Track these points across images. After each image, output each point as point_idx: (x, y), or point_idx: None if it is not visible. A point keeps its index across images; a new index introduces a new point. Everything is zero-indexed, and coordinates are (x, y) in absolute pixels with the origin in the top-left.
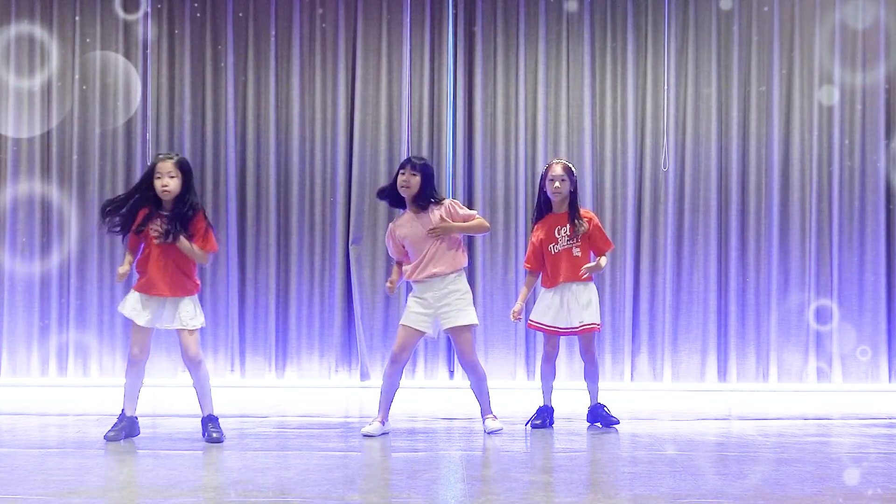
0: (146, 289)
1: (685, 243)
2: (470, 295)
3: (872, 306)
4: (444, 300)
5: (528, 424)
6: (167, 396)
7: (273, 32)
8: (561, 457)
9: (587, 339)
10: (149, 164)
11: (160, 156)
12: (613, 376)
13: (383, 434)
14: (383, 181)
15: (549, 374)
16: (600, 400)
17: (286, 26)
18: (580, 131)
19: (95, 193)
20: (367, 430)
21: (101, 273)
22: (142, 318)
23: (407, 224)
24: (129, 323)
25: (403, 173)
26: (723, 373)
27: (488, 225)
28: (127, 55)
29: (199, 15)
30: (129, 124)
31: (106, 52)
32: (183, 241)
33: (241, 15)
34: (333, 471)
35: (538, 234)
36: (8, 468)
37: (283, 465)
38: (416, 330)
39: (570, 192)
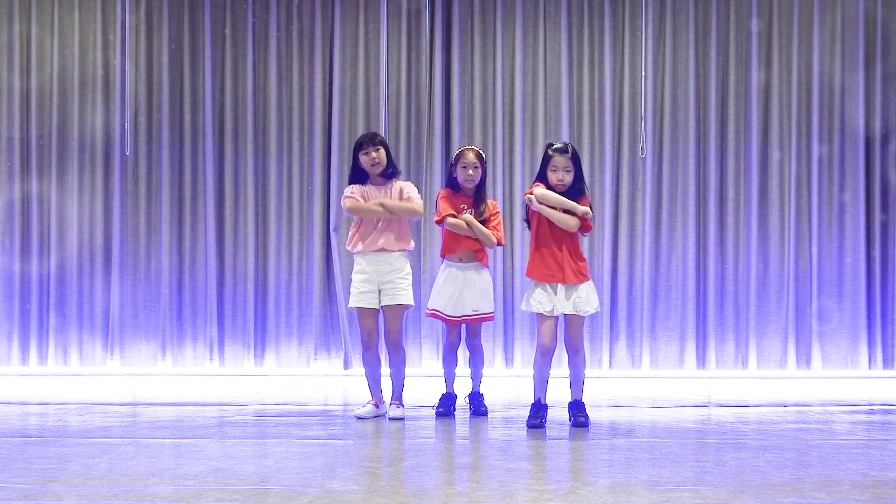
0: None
1: (663, 230)
2: (410, 276)
3: (852, 292)
4: (388, 276)
5: (433, 409)
6: (148, 385)
7: (251, 21)
8: (540, 445)
9: (476, 326)
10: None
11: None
12: (592, 364)
13: (376, 417)
14: None
15: (452, 361)
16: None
17: (263, 14)
18: (557, 118)
19: (74, 182)
20: (358, 412)
21: (80, 262)
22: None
23: (372, 193)
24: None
25: (368, 153)
26: (702, 360)
27: (420, 210)
28: (105, 44)
29: (176, 2)
30: (107, 113)
31: (84, 41)
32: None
33: (218, 3)
34: (313, 459)
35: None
36: None
37: (263, 453)
38: (372, 309)
39: (482, 179)
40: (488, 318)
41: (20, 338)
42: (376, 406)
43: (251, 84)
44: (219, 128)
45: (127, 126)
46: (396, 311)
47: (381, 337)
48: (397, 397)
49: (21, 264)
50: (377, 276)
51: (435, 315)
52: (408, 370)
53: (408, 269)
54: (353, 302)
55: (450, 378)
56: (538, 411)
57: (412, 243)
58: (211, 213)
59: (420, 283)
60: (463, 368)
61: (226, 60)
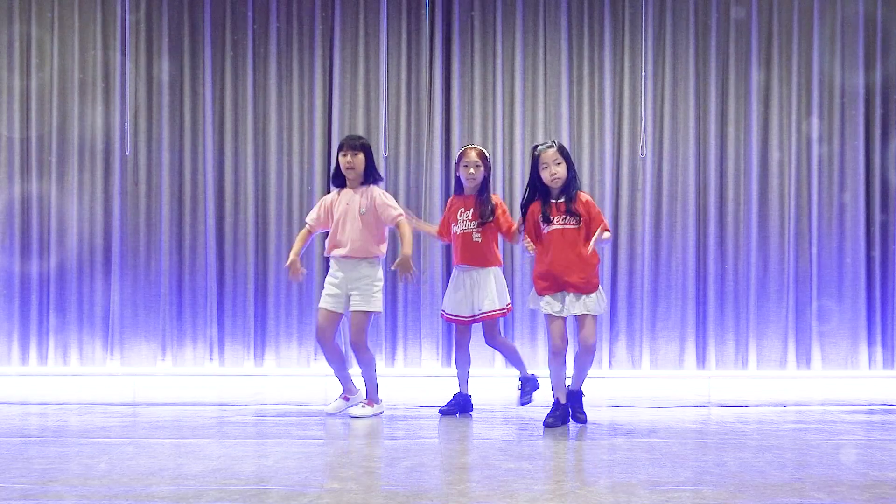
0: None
1: (663, 230)
2: (381, 283)
3: (852, 292)
4: (356, 283)
5: (440, 411)
6: (147, 385)
7: (251, 21)
8: (539, 444)
9: (488, 325)
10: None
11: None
12: (592, 363)
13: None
14: None
15: (464, 361)
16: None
17: (263, 14)
18: (557, 118)
19: (74, 182)
20: (327, 408)
21: (80, 262)
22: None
23: (344, 198)
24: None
25: (345, 155)
26: (702, 359)
27: (402, 219)
28: (105, 44)
29: (176, 2)
30: (107, 113)
31: (84, 41)
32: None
33: (218, 3)
34: (312, 458)
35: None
36: None
37: (262, 453)
38: (332, 312)
39: (484, 177)
40: (494, 315)
41: (20, 338)
42: (345, 399)
43: (251, 84)
44: (219, 128)
45: (127, 126)
46: (359, 317)
47: (338, 337)
48: (369, 397)
49: (21, 264)
50: (346, 283)
51: (443, 316)
52: (408, 370)
53: (378, 275)
54: (320, 303)
55: (461, 378)
56: (556, 411)
57: (383, 251)
58: (211, 213)
59: (421, 286)
60: (476, 369)
61: (226, 60)
